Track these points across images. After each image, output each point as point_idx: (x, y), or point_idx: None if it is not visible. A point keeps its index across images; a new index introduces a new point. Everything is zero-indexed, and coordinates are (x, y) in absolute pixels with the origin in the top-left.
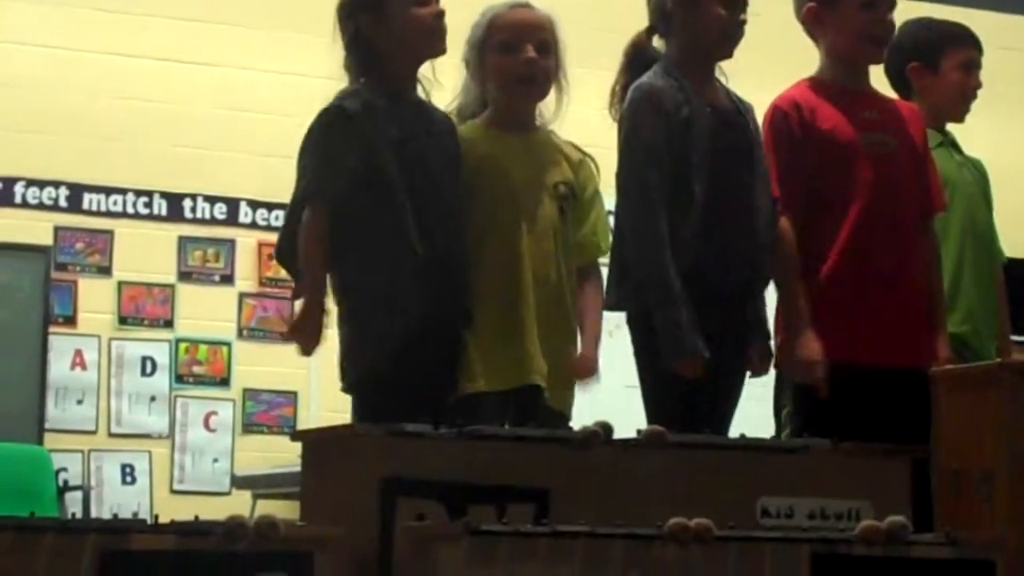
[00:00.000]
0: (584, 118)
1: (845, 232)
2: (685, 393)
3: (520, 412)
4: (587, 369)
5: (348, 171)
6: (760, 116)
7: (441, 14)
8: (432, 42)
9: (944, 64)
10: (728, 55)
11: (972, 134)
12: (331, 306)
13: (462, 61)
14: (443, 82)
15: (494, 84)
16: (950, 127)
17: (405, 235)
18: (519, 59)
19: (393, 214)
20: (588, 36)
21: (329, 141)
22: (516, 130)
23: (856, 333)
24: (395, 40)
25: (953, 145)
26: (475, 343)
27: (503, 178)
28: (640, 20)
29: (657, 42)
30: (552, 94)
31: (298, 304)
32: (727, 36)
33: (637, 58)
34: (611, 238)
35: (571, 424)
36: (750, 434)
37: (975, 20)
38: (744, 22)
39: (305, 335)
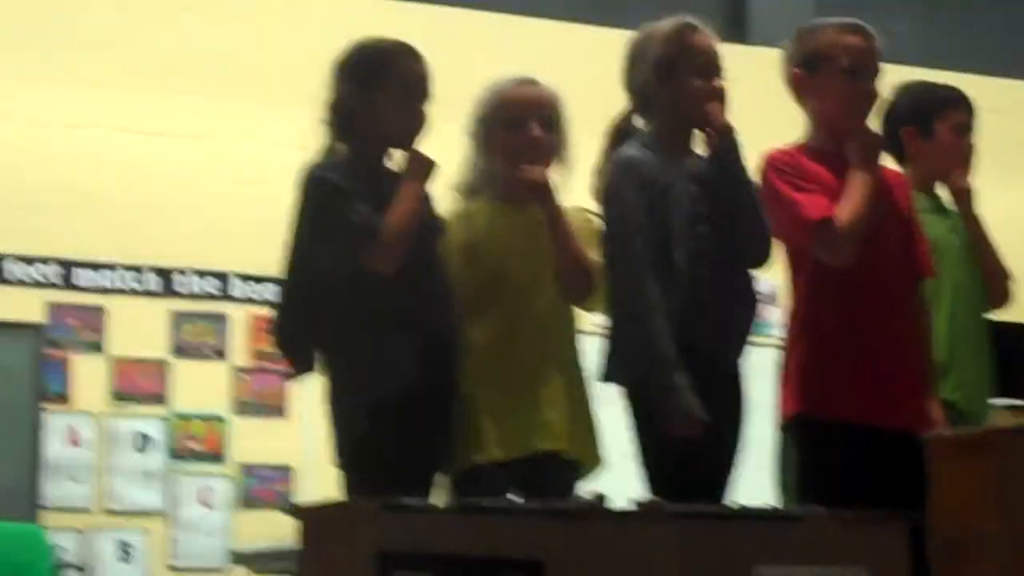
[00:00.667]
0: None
1: (837, 296)
2: (682, 460)
3: (533, 479)
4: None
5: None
6: None
7: (424, 114)
8: (408, 138)
9: (937, 128)
10: (708, 124)
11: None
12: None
13: (467, 135)
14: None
15: (499, 160)
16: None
17: (391, 306)
18: (524, 137)
19: (378, 287)
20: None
21: (335, 203)
22: (518, 204)
23: (851, 395)
24: (375, 122)
25: (944, 209)
26: (481, 413)
27: (506, 250)
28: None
29: (638, 122)
30: (557, 167)
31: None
32: (707, 105)
33: (620, 137)
34: None
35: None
36: (751, 500)
37: (970, 84)
38: (722, 88)
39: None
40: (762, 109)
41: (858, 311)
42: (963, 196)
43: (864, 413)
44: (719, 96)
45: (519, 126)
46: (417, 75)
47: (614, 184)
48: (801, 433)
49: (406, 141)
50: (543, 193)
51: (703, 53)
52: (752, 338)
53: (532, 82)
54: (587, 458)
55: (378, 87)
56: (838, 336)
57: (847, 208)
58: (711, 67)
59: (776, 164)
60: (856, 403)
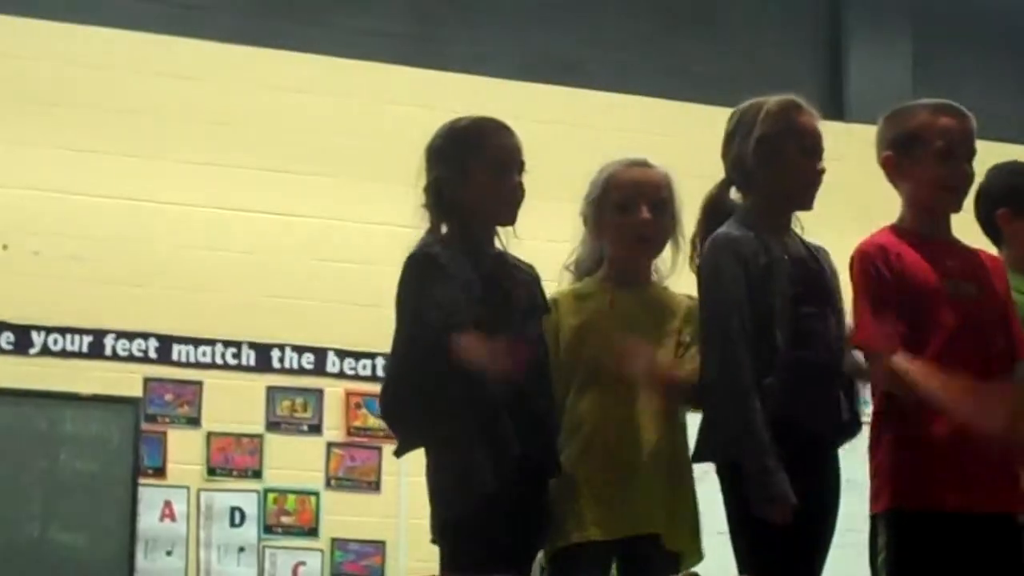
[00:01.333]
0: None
1: None
2: (775, 541)
3: (638, 561)
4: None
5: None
6: (840, 261)
7: (519, 185)
8: (507, 213)
9: None
10: (809, 206)
11: None
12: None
13: (580, 216)
14: (520, 237)
15: (609, 242)
16: None
17: (494, 390)
18: (635, 220)
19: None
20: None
21: (431, 283)
22: (629, 285)
23: (947, 480)
24: (472, 200)
25: None
26: (586, 491)
27: (611, 332)
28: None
29: (733, 194)
30: (669, 250)
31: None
32: (808, 186)
33: (714, 210)
34: None
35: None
36: None
37: None
38: (823, 171)
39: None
40: (860, 187)
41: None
42: None
43: (954, 501)
44: (819, 178)
45: (629, 209)
46: (508, 148)
47: (712, 260)
48: (891, 524)
49: (504, 215)
50: (648, 379)
51: (808, 133)
52: (856, 422)
53: (644, 163)
54: (686, 549)
55: (471, 163)
56: (928, 424)
57: (914, 374)
58: (815, 147)
59: (866, 266)
60: (945, 491)
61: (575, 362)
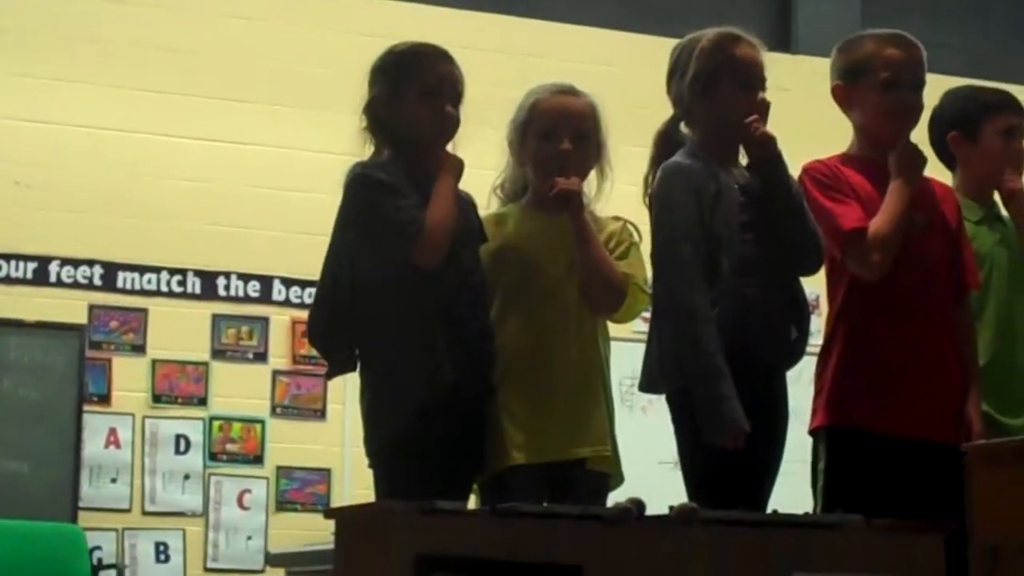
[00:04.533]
0: (625, 194)
1: (875, 307)
2: (725, 467)
3: (562, 486)
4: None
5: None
6: None
7: (447, 115)
8: (436, 139)
9: (983, 132)
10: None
11: None
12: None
13: (505, 139)
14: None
15: (531, 168)
16: None
17: (430, 308)
18: (556, 149)
19: (416, 288)
20: (630, 113)
21: (379, 200)
22: (554, 211)
23: (888, 405)
24: (403, 123)
25: (997, 218)
26: (507, 417)
27: (534, 254)
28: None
29: (683, 129)
30: (594, 176)
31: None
32: (748, 118)
33: (666, 145)
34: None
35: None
36: (791, 507)
37: (1019, 94)
38: (764, 102)
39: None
40: (809, 119)
41: (894, 323)
42: (1014, 198)
43: (892, 425)
44: (760, 109)
45: (551, 137)
46: (444, 76)
47: (663, 190)
48: (828, 443)
49: (436, 142)
50: (570, 205)
51: (744, 65)
52: (802, 348)
53: (570, 91)
54: (611, 470)
55: (403, 86)
56: (870, 347)
57: (881, 220)
58: (752, 80)
59: (813, 174)
60: (883, 414)
61: (494, 286)
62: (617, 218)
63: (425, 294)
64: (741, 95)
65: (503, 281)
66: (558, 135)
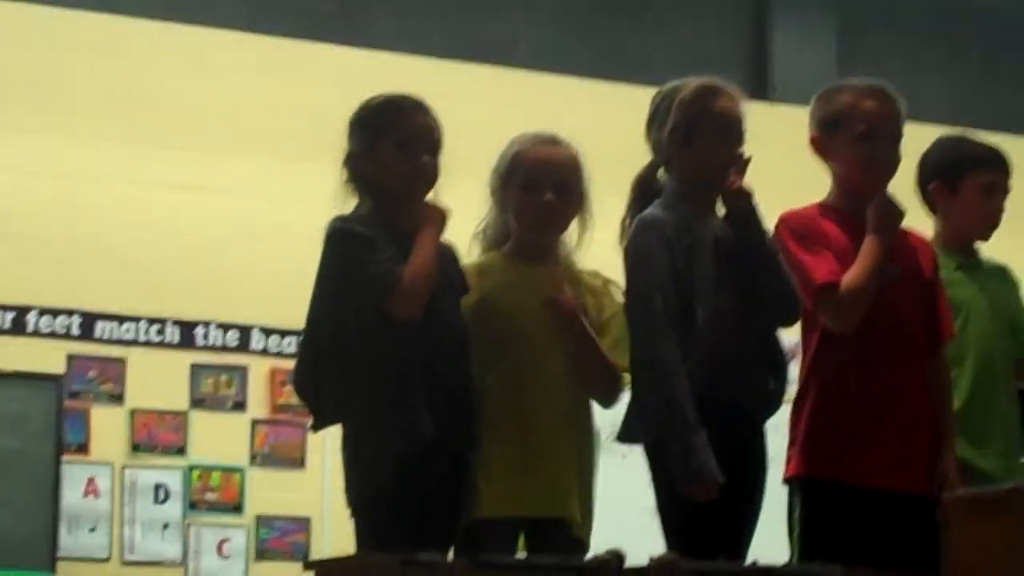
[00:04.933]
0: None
1: (848, 357)
2: (702, 518)
3: (546, 542)
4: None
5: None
6: None
7: (424, 166)
8: (413, 192)
9: (963, 185)
10: None
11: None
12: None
13: (488, 186)
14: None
15: (513, 218)
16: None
17: (410, 360)
18: (538, 200)
19: (396, 340)
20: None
21: (357, 254)
22: (535, 261)
23: (862, 456)
24: (378, 179)
25: (975, 267)
26: (482, 471)
27: (516, 306)
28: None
29: (661, 176)
30: (576, 226)
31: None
32: (726, 172)
33: (643, 191)
34: None
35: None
36: (772, 557)
37: (996, 143)
38: (743, 156)
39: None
40: (786, 167)
41: (868, 373)
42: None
43: (865, 475)
44: (739, 162)
45: (534, 188)
46: (421, 127)
47: (638, 242)
48: (803, 492)
49: (414, 194)
50: (567, 316)
51: (724, 119)
52: (779, 398)
53: (553, 141)
54: (586, 536)
55: (378, 140)
56: (843, 397)
57: (854, 273)
58: (731, 133)
59: (789, 224)
60: (858, 466)
61: (477, 338)
62: (596, 274)
63: (405, 347)
64: (720, 148)
65: (485, 333)
66: (540, 186)
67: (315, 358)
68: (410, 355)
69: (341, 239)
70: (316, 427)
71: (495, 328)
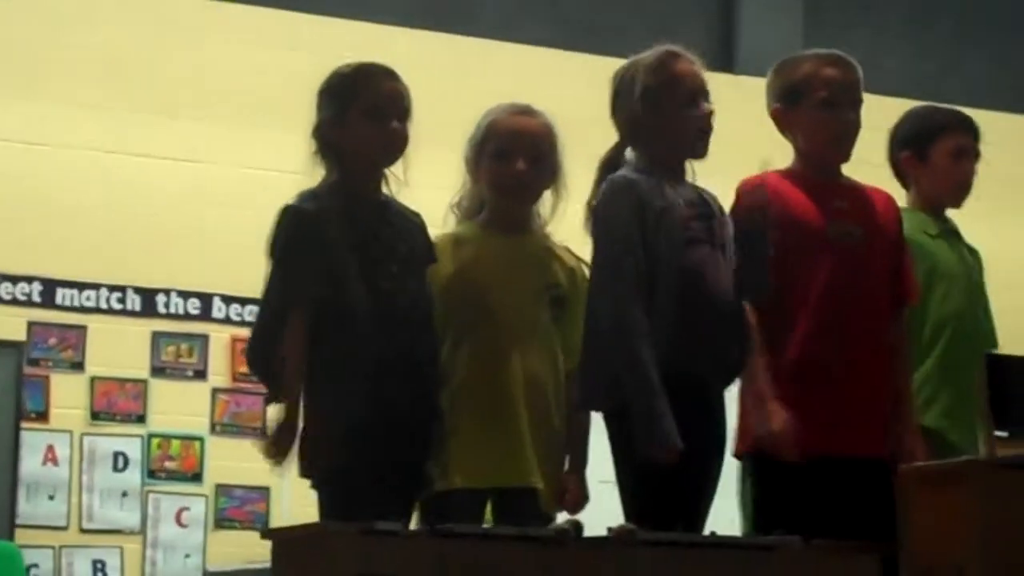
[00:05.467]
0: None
1: (805, 321)
2: (661, 488)
3: (513, 513)
4: (576, 501)
5: (317, 273)
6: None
7: (394, 132)
8: (384, 158)
9: (933, 152)
10: (700, 153)
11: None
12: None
13: (463, 158)
14: (409, 185)
15: (486, 188)
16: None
17: (363, 336)
18: (511, 169)
19: (352, 316)
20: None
21: (295, 244)
22: (510, 231)
23: (817, 423)
24: (349, 147)
25: (954, 234)
26: (456, 440)
27: (491, 278)
28: None
29: (628, 154)
30: (550, 197)
31: (272, 411)
32: (696, 133)
33: (610, 171)
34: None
35: None
36: (721, 530)
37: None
38: (710, 113)
39: (280, 450)
40: (751, 139)
41: (813, 342)
42: None
43: (819, 442)
44: (706, 121)
45: (506, 157)
46: (390, 94)
47: (606, 204)
48: (753, 466)
49: (383, 161)
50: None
51: (687, 81)
52: (741, 369)
53: (526, 111)
54: (554, 510)
55: (349, 108)
56: (795, 363)
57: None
58: (695, 94)
59: (738, 197)
60: (807, 435)
61: (451, 310)
62: (570, 251)
63: (367, 317)
64: (688, 110)
65: (459, 304)
66: (513, 155)
67: (266, 333)
68: (371, 326)
69: (287, 221)
70: (268, 401)
71: (470, 299)
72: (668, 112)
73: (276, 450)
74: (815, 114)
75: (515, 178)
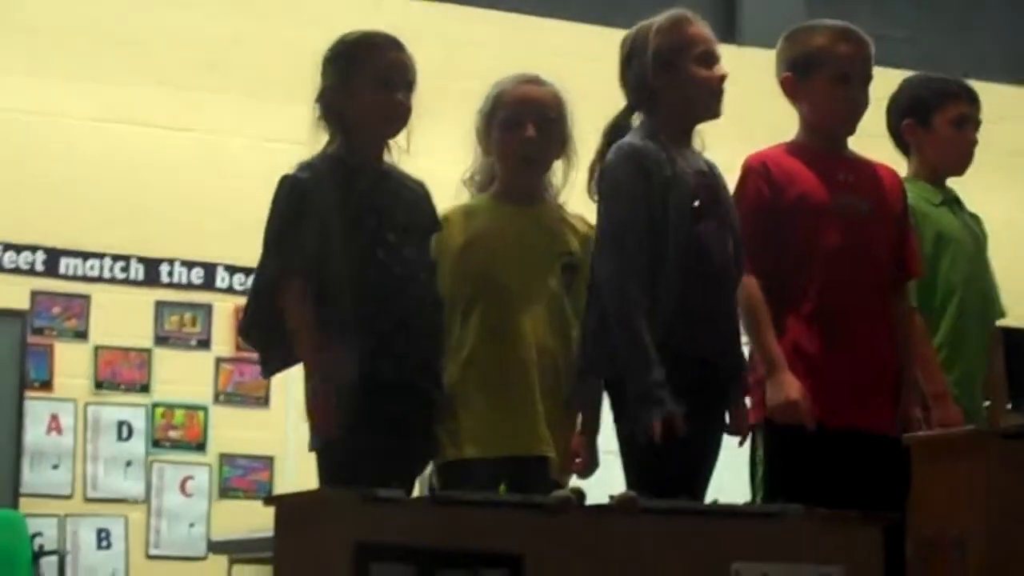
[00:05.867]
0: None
1: (812, 294)
2: (662, 457)
3: (524, 481)
4: (585, 465)
5: (312, 241)
6: (730, 184)
7: (400, 103)
8: (388, 127)
9: (936, 120)
10: (715, 113)
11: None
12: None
13: (474, 130)
14: (417, 155)
15: (496, 158)
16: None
17: (367, 304)
18: (520, 137)
19: (339, 289)
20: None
21: (292, 213)
22: (521, 202)
23: (824, 396)
24: (355, 114)
25: (956, 202)
26: (467, 410)
27: (501, 248)
28: None
29: (636, 121)
30: (560, 166)
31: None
32: (711, 94)
33: (616, 137)
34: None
35: None
36: (724, 498)
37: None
38: (724, 76)
39: (328, 419)
40: (754, 110)
41: (821, 314)
42: None
43: (828, 415)
44: (718, 86)
45: (515, 125)
46: (395, 63)
47: (613, 171)
48: (766, 434)
49: (387, 130)
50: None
51: (701, 43)
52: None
53: (535, 80)
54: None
55: (354, 76)
56: (802, 338)
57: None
58: (709, 56)
59: (744, 173)
60: (820, 405)
61: (461, 281)
62: (584, 220)
63: (366, 289)
64: (701, 70)
65: (469, 274)
66: (522, 123)
67: (260, 304)
68: (371, 298)
69: (284, 191)
70: (264, 373)
71: (480, 270)
72: (682, 73)
73: (325, 418)
74: (827, 88)
75: (523, 145)
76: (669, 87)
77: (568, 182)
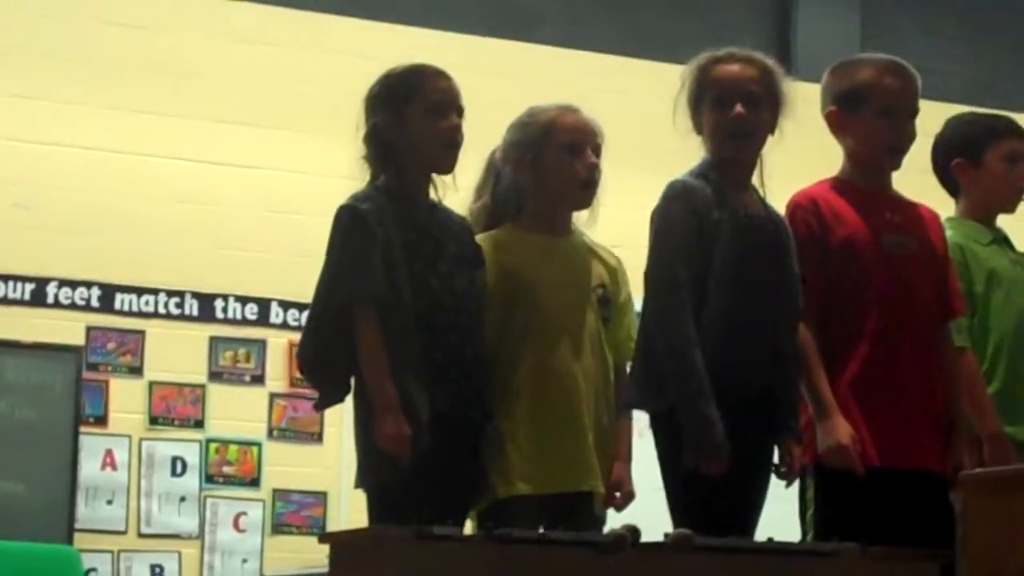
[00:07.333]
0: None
1: (864, 335)
2: (710, 495)
3: (570, 516)
4: (628, 498)
5: (377, 269)
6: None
7: (457, 128)
8: (446, 155)
9: (987, 157)
10: (733, 154)
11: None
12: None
13: (502, 159)
14: (459, 185)
15: (553, 185)
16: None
17: (416, 340)
18: (584, 163)
19: (405, 319)
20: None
21: (358, 241)
22: (553, 234)
23: (875, 436)
24: (409, 145)
25: (1005, 241)
26: (516, 445)
27: (541, 281)
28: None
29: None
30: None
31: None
32: (726, 135)
33: None
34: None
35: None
36: (775, 536)
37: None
38: (738, 115)
39: (406, 448)
40: (809, 144)
41: (881, 351)
42: None
43: (879, 454)
44: (736, 123)
45: (579, 152)
46: (444, 91)
47: (665, 209)
48: (817, 472)
49: (441, 159)
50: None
51: (719, 85)
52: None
53: (578, 109)
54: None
55: (406, 108)
56: (858, 380)
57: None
58: (725, 98)
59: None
60: (871, 448)
61: (505, 313)
62: (611, 252)
63: (407, 327)
64: (718, 114)
65: (511, 308)
66: (583, 149)
67: (318, 337)
68: (419, 332)
69: (345, 221)
70: (319, 406)
71: (521, 303)
72: (703, 116)
73: (400, 443)
74: (873, 121)
75: (588, 171)
76: (704, 131)
77: (595, 215)
